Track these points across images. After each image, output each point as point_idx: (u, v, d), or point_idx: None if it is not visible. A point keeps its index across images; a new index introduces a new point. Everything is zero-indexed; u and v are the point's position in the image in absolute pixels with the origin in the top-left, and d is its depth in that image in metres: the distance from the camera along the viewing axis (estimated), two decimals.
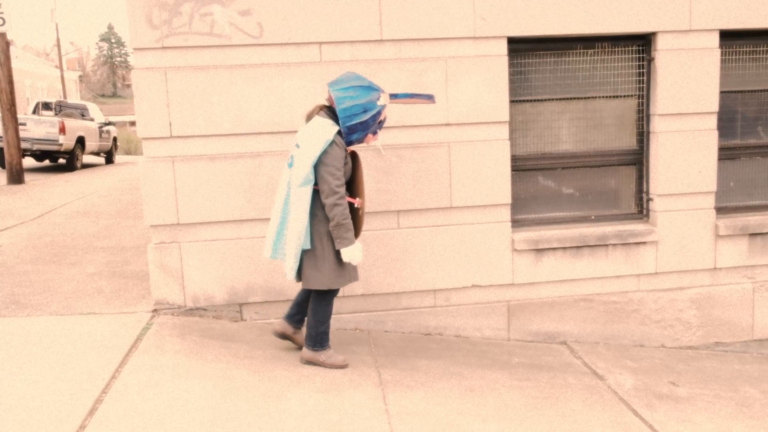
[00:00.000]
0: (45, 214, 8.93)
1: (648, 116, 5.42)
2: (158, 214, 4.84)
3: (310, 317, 4.20)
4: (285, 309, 5.02)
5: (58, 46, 39.91)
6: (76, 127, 16.84)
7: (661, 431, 3.79)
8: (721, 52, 5.37)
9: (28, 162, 16.74)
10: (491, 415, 3.79)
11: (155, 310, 4.90)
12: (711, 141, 5.39)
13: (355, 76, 4.04)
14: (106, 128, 19.66)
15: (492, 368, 4.56)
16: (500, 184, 5.15)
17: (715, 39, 5.30)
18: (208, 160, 4.84)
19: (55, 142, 15.73)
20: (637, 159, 5.50)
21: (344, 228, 3.90)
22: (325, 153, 3.86)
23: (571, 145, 5.45)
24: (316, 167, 3.89)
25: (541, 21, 5.07)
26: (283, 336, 4.47)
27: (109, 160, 20.27)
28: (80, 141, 17.00)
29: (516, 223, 5.34)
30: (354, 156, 4.13)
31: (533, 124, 5.37)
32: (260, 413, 3.51)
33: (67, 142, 16.07)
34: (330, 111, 4.03)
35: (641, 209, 5.56)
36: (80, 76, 58.57)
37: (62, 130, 15.78)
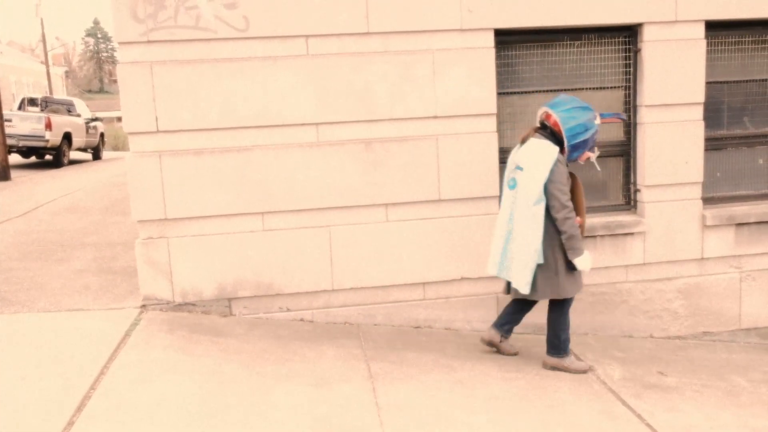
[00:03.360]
0: (32, 211, 8.86)
1: (635, 107, 5.44)
2: (145, 209, 4.82)
3: (551, 328, 4.48)
4: (275, 303, 5.03)
5: (44, 41, 39.56)
6: (62, 123, 16.71)
7: (649, 420, 3.81)
8: (707, 43, 5.38)
9: (15, 159, 16.60)
10: (481, 406, 3.81)
11: (144, 306, 4.88)
12: (697, 132, 5.41)
13: (573, 98, 4.38)
14: (93, 124, 19.51)
15: (481, 360, 4.58)
16: (488, 177, 5.16)
17: (701, 30, 5.32)
18: (195, 154, 4.81)
19: (41, 138, 15.61)
20: (625, 150, 5.52)
21: (575, 239, 4.19)
22: (552, 172, 4.14)
23: None
24: (545, 185, 4.15)
25: (528, 13, 5.07)
26: (491, 344, 4.70)
27: (97, 156, 20.12)
28: (67, 137, 16.87)
29: None
30: (573, 176, 4.37)
31: (521, 116, 5.37)
32: (250, 407, 3.51)
33: (54, 138, 15.95)
34: (545, 131, 4.32)
35: (629, 200, 5.58)
36: (66, 72, 58.09)
37: (48, 126, 15.66)
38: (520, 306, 4.59)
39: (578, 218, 4.33)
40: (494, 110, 5.12)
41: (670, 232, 5.46)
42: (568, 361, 4.48)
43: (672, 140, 5.36)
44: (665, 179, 5.39)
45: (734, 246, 5.59)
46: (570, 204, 4.17)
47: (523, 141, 4.35)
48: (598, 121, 4.32)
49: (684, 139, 5.38)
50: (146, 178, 4.79)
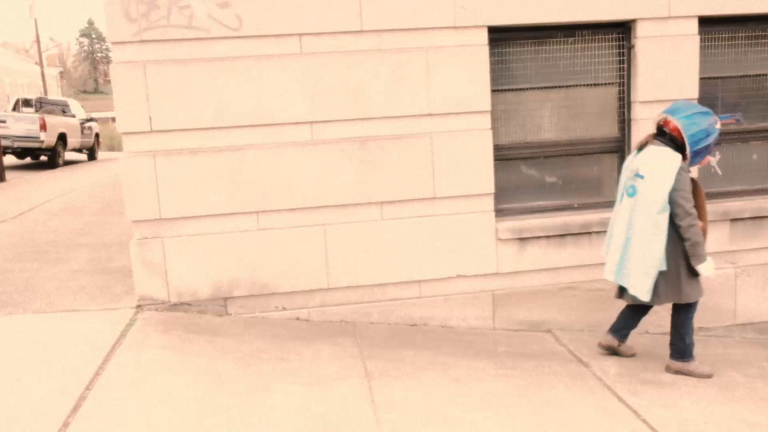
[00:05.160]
0: (27, 212, 8.84)
1: (629, 104, 5.44)
2: (140, 209, 4.81)
3: (676, 331, 4.50)
4: (270, 302, 5.02)
5: (38, 42, 39.43)
6: (57, 123, 16.68)
7: (645, 416, 3.82)
8: (700, 39, 5.39)
9: (9, 160, 16.56)
10: (477, 403, 3.81)
11: (139, 306, 4.87)
12: None
13: (691, 104, 4.40)
14: (88, 124, 19.48)
15: (478, 357, 4.58)
16: (483, 174, 5.16)
17: (694, 25, 5.32)
18: (190, 154, 4.80)
19: (36, 139, 15.58)
20: (619, 146, 5.52)
21: (699, 245, 4.21)
22: (677, 180, 4.14)
23: (553, 134, 5.46)
24: (669, 193, 4.15)
25: (522, 9, 5.07)
26: (610, 349, 4.75)
27: (92, 156, 20.10)
28: (62, 138, 16.83)
29: (500, 213, 5.35)
30: (694, 182, 4.35)
31: (515, 113, 5.38)
32: (246, 407, 3.50)
33: (49, 139, 15.92)
34: (663, 137, 4.30)
35: None
36: (61, 72, 57.93)
37: (43, 127, 15.63)
38: (635, 311, 4.65)
39: (701, 223, 4.32)
40: (488, 107, 5.12)
41: None
42: (693, 365, 4.49)
43: None
44: None
45: (729, 242, 5.60)
46: (694, 211, 4.18)
47: (641, 147, 4.36)
48: (718, 125, 4.30)
49: None
50: (140, 178, 4.78)
